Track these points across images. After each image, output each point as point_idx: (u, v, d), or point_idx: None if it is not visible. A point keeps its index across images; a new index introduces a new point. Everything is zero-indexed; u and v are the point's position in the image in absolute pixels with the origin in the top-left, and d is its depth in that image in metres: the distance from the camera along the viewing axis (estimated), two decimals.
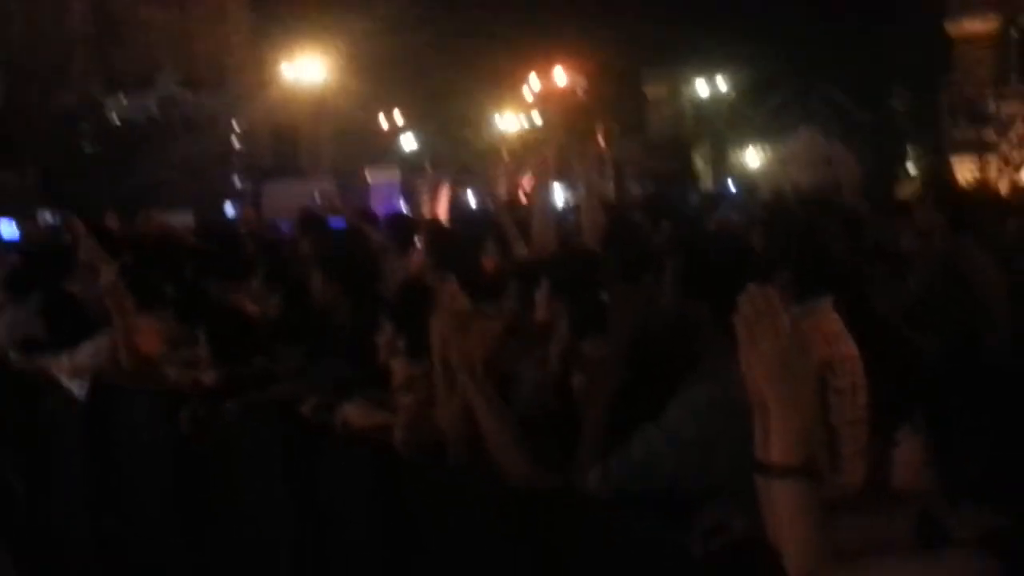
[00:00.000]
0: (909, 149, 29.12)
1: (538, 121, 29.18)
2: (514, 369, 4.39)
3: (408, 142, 30.78)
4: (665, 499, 3.17)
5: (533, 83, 29.70)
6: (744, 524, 2.92)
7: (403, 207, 24.61)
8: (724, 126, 32.92)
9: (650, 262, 5.35)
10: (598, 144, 29.47)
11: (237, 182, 27.23)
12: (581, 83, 30.17)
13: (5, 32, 26.87)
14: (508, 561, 3.68)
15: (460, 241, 6.48)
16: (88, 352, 6.32)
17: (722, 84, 32.81)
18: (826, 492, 2.84)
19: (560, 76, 29.63)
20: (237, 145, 27.90)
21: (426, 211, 22.93)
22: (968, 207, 6.80)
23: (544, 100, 29.61)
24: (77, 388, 6.33)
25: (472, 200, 26.89)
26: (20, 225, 12.32)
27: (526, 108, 29.46)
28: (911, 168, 27.70)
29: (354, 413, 4.66)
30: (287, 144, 29.91)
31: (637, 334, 3.39)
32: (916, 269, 6.52)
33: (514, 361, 4.50)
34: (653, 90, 33.23)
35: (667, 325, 3.40)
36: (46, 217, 11.60)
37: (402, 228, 7.88)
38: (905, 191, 15.30)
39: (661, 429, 3.12)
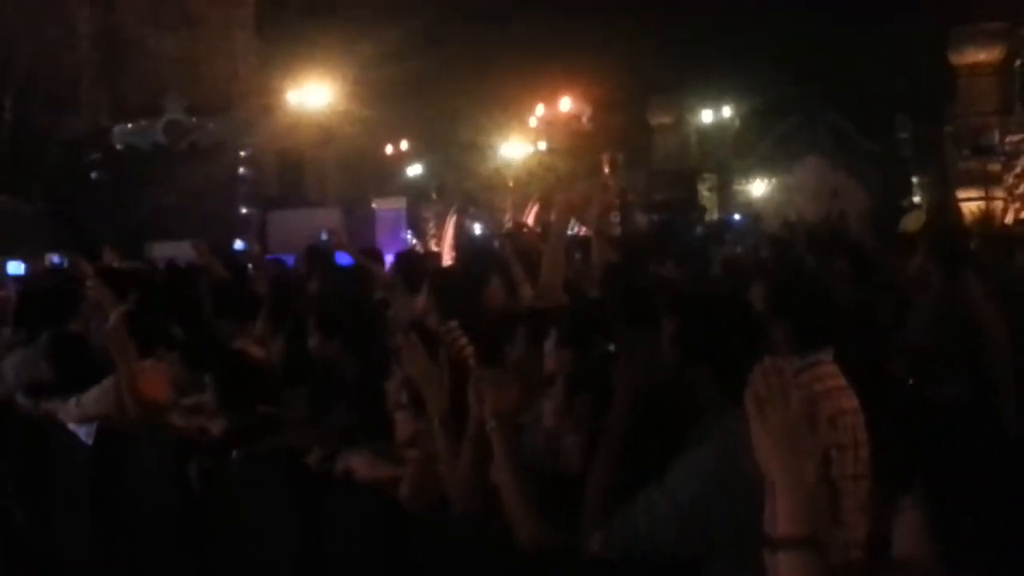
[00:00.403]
0: (915, 179, 29.17)
1: (543, 149, 29.28)
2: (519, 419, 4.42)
3: (414, 169, 30.89)
4: (668, 563, 3.17)
5: (538, 111, 29.80)
6: None
7: (408, 236, 24.75)
8: (729, 155, 32.97)
9: (652, 310, 5.38)
10: (603, 174, 29.62)
11: (243, 210, 27.27)
12: (586, 111, 30.26)
13: (13, 60, 26.97)
14: None
15: (465, 286, 6.48)
16: (94, 397, 6.34)
17: (727, 112, 32.89)
18: (830, 549, 2.85)
19: (565, 104, 29.73)
20: (243, 172, 27.96)
21: (432, 241, 22.95)
22: (963, 254, 6.79)
23: (549, 128, 29.70)
24: (84, 434, 6.35)
25: (477, 228, 27.00)
26: (28, 265, 12.40)
27: (531, 136, 29.56)
28: (917, 198, 27.74)
29: (360, 465, 4.67)
30: (293, 171, 29.97)
31: (640, 394, 3.39)
32: (914, 314, 6.53)
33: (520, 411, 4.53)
34: (658, 119, 33.29)
35: (669, 381, 3.41)
36: (52, 258, 11.64)
37: (411, 267, 7.87)
38: (910, 222, 15.31)
39: (663, 493, 3.12)
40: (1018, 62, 23.42)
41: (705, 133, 33.26)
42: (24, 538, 7.32)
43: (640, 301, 5.36)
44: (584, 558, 3.32)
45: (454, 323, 5.66)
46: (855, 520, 4.11)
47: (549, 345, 4.45)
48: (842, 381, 4.27)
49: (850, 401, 4.23)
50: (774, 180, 31.79)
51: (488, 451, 3.70)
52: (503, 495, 3.57)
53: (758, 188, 32.12)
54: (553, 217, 7.50)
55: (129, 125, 27.75)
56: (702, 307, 3.51)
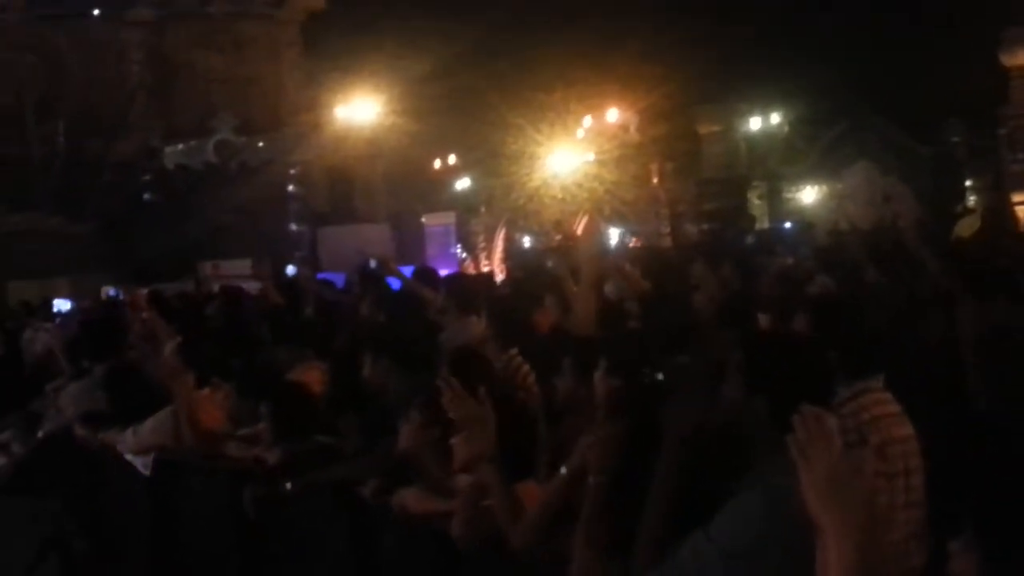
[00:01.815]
0: (968, 183, 28.79)
1: (591, 160, 29.18)
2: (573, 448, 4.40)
3: (462, 183, 30.93)
4: None
5: (586, 122, 29.72)
6: None
7: (459, 251, 24.74)
8: (779, 162, 32.72)
9: (692, 333, 5.33)
10: (652, 184, 29.52)
11: (293, 226, 27.44)
12: (633, 121, 30.14)
13: (66, 85, 27.35)
14: None
15: (522, 312, 6.45)
16: (151, 428, 6.40)
17: (775, 119, 32.66)
18: None
19: (612, 115, 29.62)
20: (292, 189, 28.13)
21: (482, 256, 22.87)
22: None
23: (597, 139, 29.61)
24: (141, 464, 6.41)
25: (527, 242, 26.97)
26: (78, 298, 12.61)
27: (579, 147, 29.48)
28: (971, 202, 27.37)
29: (412, 499, 4.66)
30: (342, 187, 30.12)
31: (690, 437, 3.35)
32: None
33: (574, 438, 4.50)
34: (706, 127, 33.12)
35: (723, 428, 3.37)
36: (108, 290, 11.78)
37: (463, 291, 7.82)
38: (964, 228, 15.09)
39: (710, 539, 3.06)
40: None
41: (754, 141, 33.03)
42: (84, 569, 7.37)
43: (680, 330, 5.34)
44: None
45: (514, 351, 5.65)
46: (907, 550, 4.02)
47: (599, 377, 4.42)
48: (892, 408, 4.20)
49: (901, 429, 4.15)
50: (825, 187, 31.45)
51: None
52: (580, 540, 3.52)
53: (809, 195, 31.78)
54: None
55: (180, 146, 28.06)
56: (773, 343, 3.46)
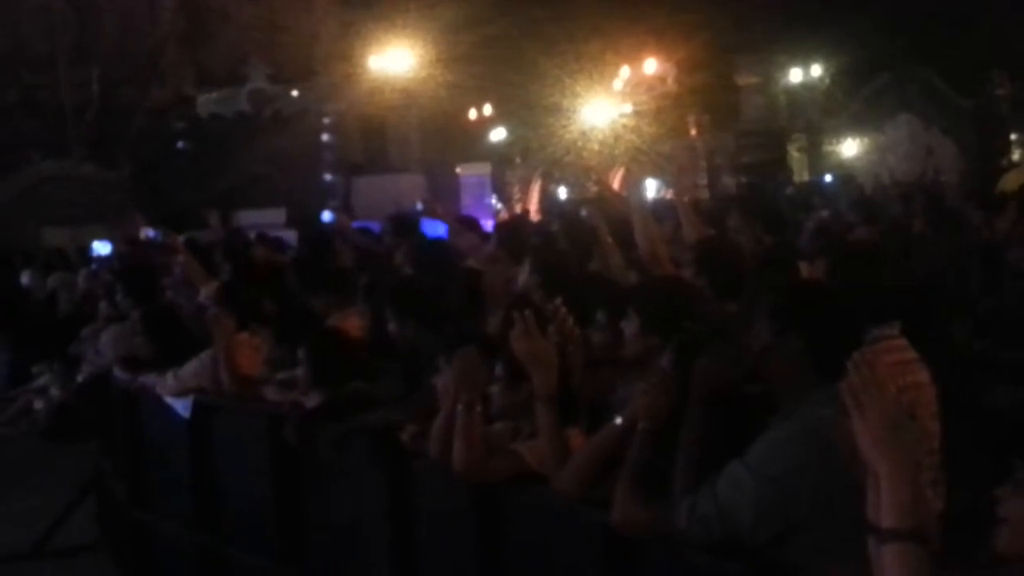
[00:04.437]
0: (1012, 137, 28.40)
1: (628, 112, 28.94)
2: (608, 399, 4.38)
3: (497, 134, 30.78)
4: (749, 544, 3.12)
5: (623, 73, 29.46)
6: None
7: (494, 202, 24.69)
8: (819, 114, 32.31)
9: (744, 282, 5.27)
10: (690, 136, 29.30)
11: (327, 176, 27.45)
12: (671, 73, 29.86)
13: (99, 33, 27.34)
14: None
15: (568, 260, 6.39)
16: (193, 371, 6.41)
17: (816, 71, 32.22)
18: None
19: (650, 66, 29.36)
20: (326, 138, 28.10)
21: (518, 207, 22.74)
22: None
23: (634, 90, 29.36)
24: (181, 407, 6.42)
25: (562, 193, 26.89)
26: (114, 241, 12.62)
27: (616, 99, 29.25)
28: (1015, 156, 27.03)
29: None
30: (376, 137, 30.05)
31: (718, 390, 3.34)
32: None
33: (608, 390, 4.47)
34: (745, 79, 32.72)
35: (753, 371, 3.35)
36: (147, 232, 11.76)
37: (513, 237, 7.71)
38: (1009, 181, 14.94)
39: (746, 466, 3.09)
40: None
41: (794, 92, 32.59)
42: (126, 512, 7.43)
43: (732, 266, 5.30)
44: (676, 538, 3.28)
45: (559, 301, 5.59)
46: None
47: (631, 329, 4.35)
48: (908, 355, 4.21)
49: (916, 375, 4.15)
50: (866, 139, 31.06)
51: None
52: (623, 484, 3.49)
53: (850, 148, 31.40)
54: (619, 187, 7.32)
55: (213, 94, 28.02)
56: (800, 283, 3.47)
